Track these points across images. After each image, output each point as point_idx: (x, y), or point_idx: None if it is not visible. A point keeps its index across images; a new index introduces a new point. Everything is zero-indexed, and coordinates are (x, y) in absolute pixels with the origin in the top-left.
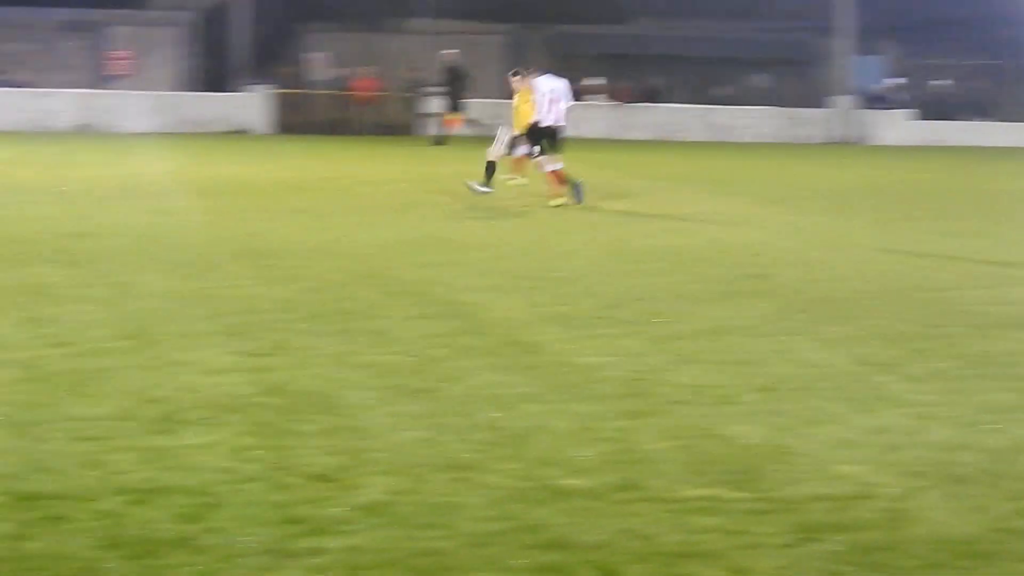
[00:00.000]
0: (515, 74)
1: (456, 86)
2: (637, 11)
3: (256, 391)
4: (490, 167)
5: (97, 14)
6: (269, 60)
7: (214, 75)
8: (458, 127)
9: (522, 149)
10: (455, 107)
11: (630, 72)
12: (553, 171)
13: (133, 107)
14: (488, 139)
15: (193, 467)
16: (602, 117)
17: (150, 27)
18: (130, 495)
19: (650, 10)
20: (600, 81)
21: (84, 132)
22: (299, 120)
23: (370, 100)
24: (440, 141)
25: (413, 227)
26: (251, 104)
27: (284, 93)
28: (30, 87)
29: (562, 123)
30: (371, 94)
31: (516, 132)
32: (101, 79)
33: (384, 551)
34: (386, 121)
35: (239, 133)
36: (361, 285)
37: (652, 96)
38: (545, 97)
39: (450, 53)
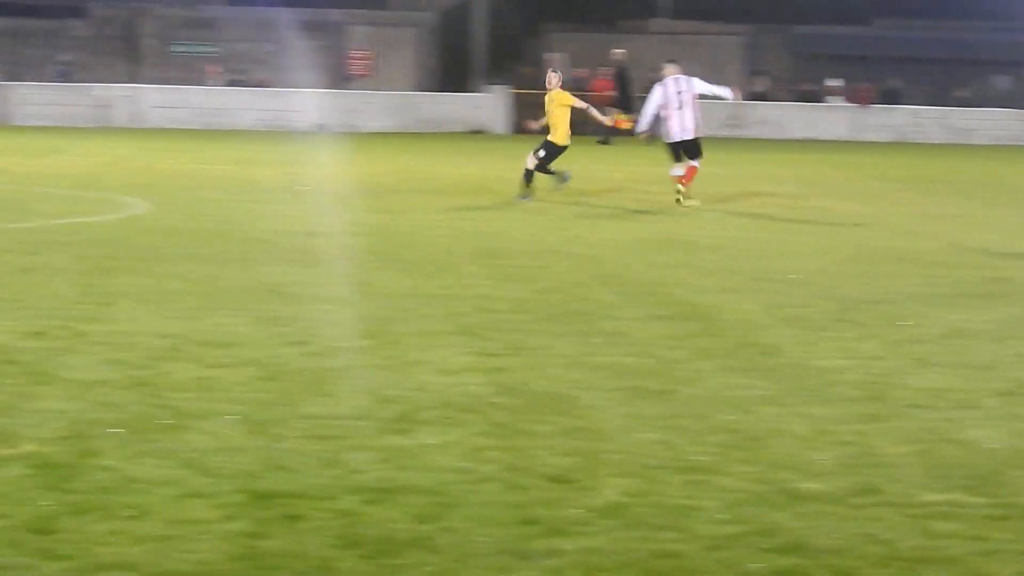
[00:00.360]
0: (553, 71)
1: (624, 86)
2: (877, 12)
3: (492, 391)
4: (528, 175)
5: (337, 14)
6: (507, 60)
7: (452, 75)
8: (626, 127)
9: (533, 159)
10: (625, 107)
11: (869, 74)
12: (682, 175)
13: (371, 107)
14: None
15: (429, 467)
16: (840, 118)
17: (389, 27)
18: (366, 494)
19: (890, 11)
20: (839, 83)
21: (322, 132)
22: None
23: (608, 101)
24: (605, 141)
25: (646, 228)
26: (489, 104)
27: (522, 93)
28: (269, 87)
29: (689, 135)
30: (610, 94)
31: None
32: (340, 79)
33: (620, 553)
34: None
35: (476, 133)
36: (596, 286)
37: (891, 98)
38: (670, 104)
39: (618, 52)
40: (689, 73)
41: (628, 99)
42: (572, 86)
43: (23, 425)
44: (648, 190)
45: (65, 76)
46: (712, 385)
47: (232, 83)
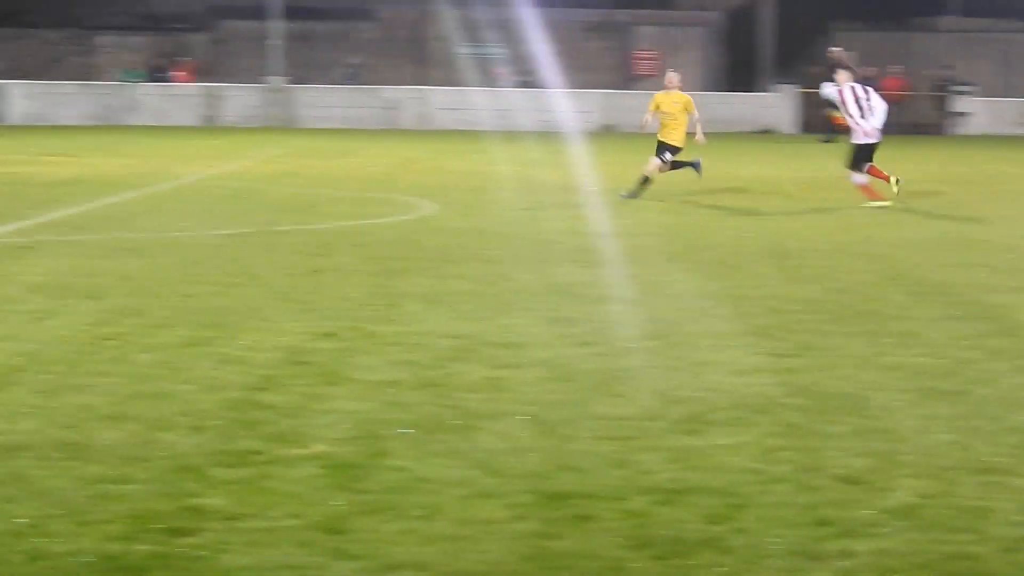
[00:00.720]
0: (674, 71)
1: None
2: None
3: (783, 392)
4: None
5: (624, 15)
6: (795, 59)
7: (739, 75)
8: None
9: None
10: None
11: None
12: (865, 184)
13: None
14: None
15: (720, 468)
16: None
17: (676, 27)
18: (657, 495)
19: None
20: None
21: (609, 132)
22: (824, 119)
23: (898, 99)
24: (829, 139)
25: (937, 227)
26: (777, 104)
27: (810, 92)
28: (555, 88)
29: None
30: (899, 93)
31: (672, 145)
32: (626, 79)
33: (914, 555)
34: (914, 120)
35: (764, 133)
36: (887, 285)
37: None
38: (866, 105)
39: (836, 50)
40: (978, 72)
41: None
42: (861, 84)
43: (314, 426)
44: (940, 190)
45: (353, 78)
46: (1006, 385)
47: (519, 84)
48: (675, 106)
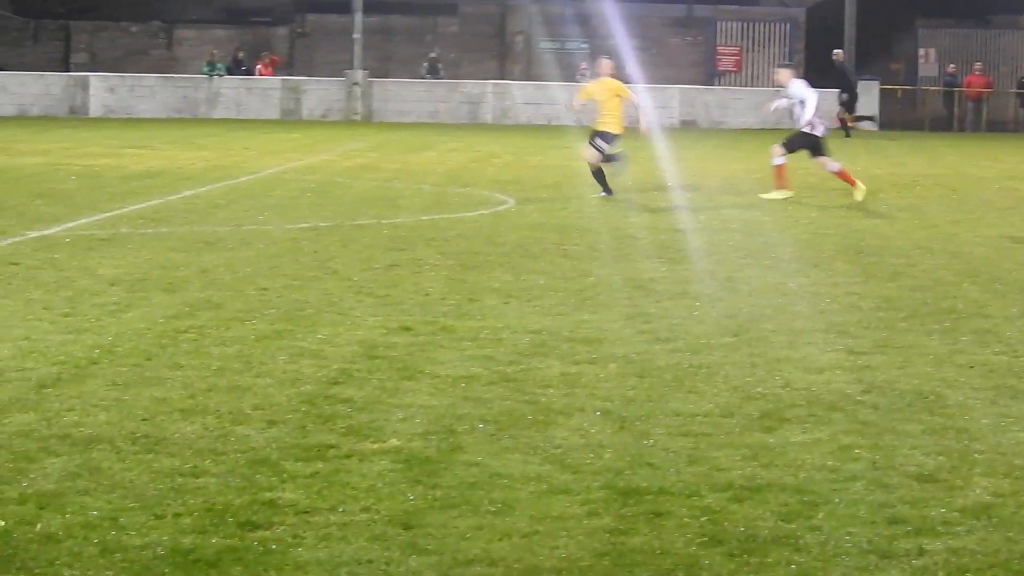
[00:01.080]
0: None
1: (845, 85)
2: None
3: (859, 389)
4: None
5: (707, 10)
6: (877, 55)
7: (822, 71)
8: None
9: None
10: (850, 107)
11: None
12: (840, 171)
13: (739, 103)
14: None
15: (795, 465)
16: None
17: (759, 23)
18: (731, 492)
19: None
20: None
21: (690, 128)
22: (905, 116)
23: (980, 97)
24: (848, 135)
25: (1013, 224)
26: (859, 101)
27: (891, 89)
28: (637, 83)
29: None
30: (981, 91)
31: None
32: (708, 75)
33: (987, 554)
34: (997, 119)
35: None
36: (965, 283)
37: None
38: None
39: (838, 53)
40: None
41: (854, 98)
42: (944, 81)
43: (391, 420)
44: (1011, 186)
45: (433, 72)
46: None
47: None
48: (606, 93)
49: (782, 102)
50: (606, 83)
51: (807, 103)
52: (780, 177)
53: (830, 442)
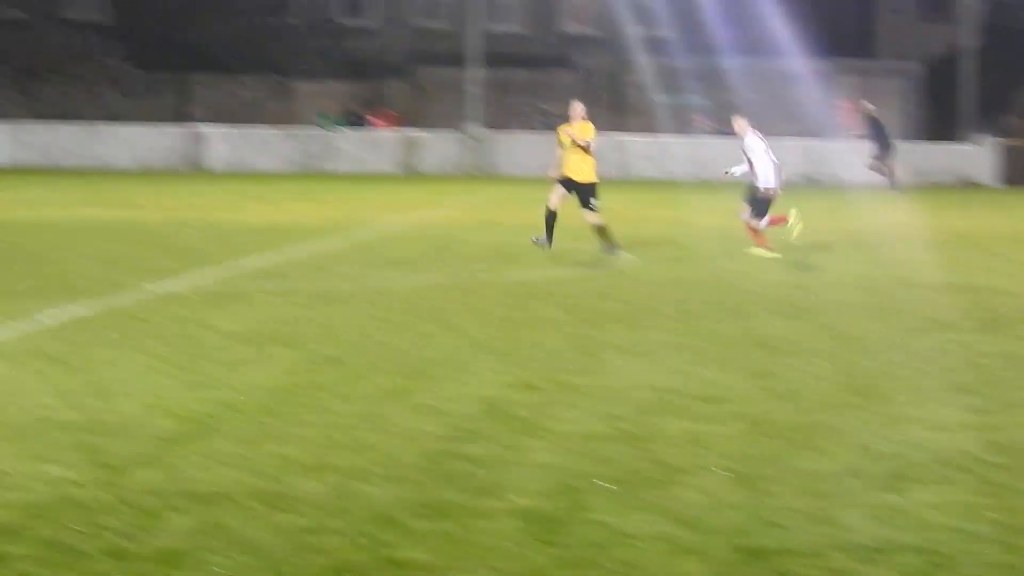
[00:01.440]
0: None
1: (878, 136)
2: None
3: (985, 449)
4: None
5: (824, 64)
6: (995, 110)
7: (941, 125)
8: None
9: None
10: (882, 157)
11: None
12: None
13: (856, 158)
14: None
15: (922, 525)
16: None
17: (876, 77)
18: (858, 553)
19: None
20: None
21: (807, 183)
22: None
23: None
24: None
25: None
26: (978, 155)
27: (1013, 144)
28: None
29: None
30: None
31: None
32: (826, 129)
33: None
34: None
35: (966, 185)
36: None
37: None
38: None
39: (868, 106)
40: None
41: (887, 148)
42: None
43: (514, 478)
44: None
45: (549, 126)
46: None
47: (719, 133)
48: (569, 138)
49: (740, 168)
50: (575, 127)
51: (755, 164)
52: (761, 236)
53: (958, 502)
